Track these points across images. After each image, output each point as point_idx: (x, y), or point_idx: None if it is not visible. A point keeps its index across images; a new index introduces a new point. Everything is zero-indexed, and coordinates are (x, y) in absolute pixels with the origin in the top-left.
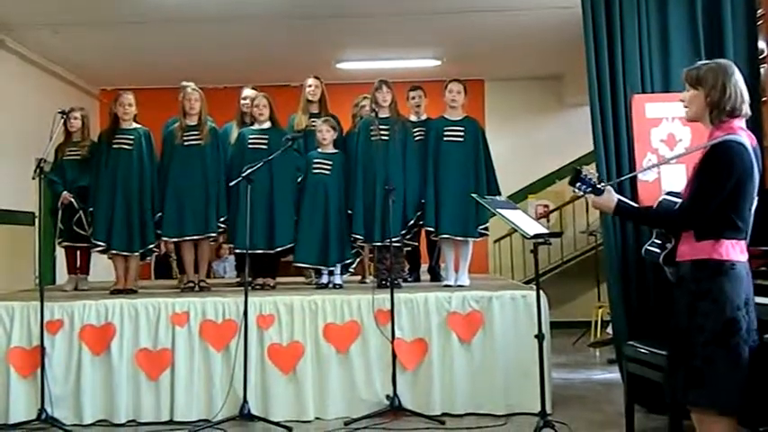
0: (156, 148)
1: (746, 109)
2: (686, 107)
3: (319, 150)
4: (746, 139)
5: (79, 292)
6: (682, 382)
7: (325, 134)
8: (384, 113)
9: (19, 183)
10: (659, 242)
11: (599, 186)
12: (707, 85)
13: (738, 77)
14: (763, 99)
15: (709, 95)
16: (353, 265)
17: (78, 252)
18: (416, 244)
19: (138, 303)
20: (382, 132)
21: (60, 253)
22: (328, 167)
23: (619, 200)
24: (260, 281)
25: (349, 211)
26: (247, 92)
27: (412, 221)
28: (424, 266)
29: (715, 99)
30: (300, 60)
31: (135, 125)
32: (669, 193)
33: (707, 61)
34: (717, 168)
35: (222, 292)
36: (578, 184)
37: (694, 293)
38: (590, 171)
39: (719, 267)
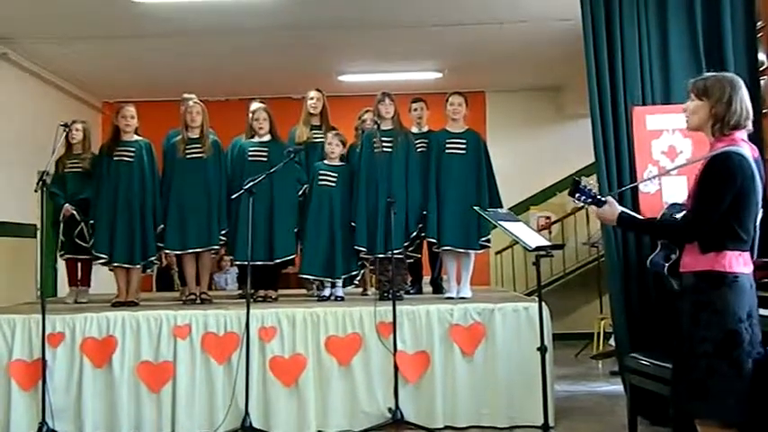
0: (157, 160)
1: (749, 124)
2: (688, 117)
3: (326, 162)
4: (748, 150)
5: (80, 304)
6: (685, 392)
7: (335, 147)
8: (387, 125)
9: (21, 195)
10: (664, 253)
11: (600, 197)
12: (713, 98)
13: (745, 92)
14: (764, 111)
15: (715, 108)
16: (358, 278)
17: (80, 264)
18: (419, 256)
19: (140, 316)
20: (385, 144)
21: (62, 265)
22: (334, 179)
23: (621, 210)
24: (262, 293)
25: (352, 224)
26: (256, 105)
27: (414, 233)
28: (427, 278)
29: (720, 112)
30: (302, 73)
31: (136, 137)
32: (672, 205)
33: (714, 73)
34: (717, 179)
35: (224, 304)
36: (578, 195)
37: (697, 304)
38: (589, 182)
39: (722, 279)
